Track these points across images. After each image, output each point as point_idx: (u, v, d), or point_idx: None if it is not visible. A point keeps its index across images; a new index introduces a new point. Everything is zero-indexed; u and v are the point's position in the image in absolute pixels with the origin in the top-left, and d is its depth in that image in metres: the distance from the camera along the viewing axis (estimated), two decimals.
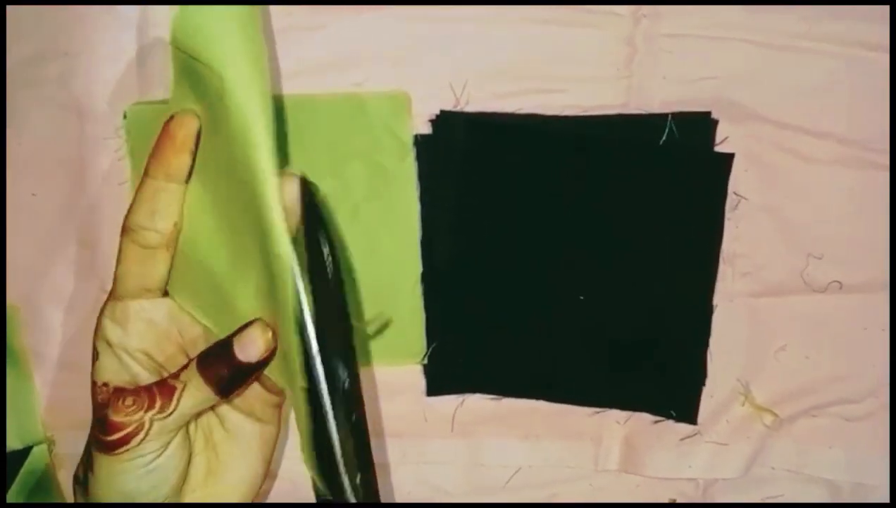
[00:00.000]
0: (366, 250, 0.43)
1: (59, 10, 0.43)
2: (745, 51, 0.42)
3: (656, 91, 0.43)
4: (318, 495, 0.32)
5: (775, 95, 0.43)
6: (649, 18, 0.42)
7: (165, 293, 0.35)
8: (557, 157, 0.43)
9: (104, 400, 0.33)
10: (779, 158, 0.43)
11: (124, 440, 0.32)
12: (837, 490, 0.44)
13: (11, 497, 0.44)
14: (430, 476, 0.45)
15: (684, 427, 0.44)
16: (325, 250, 0.33)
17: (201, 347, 0.34)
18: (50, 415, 0.45)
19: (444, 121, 0.43)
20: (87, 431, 0.44)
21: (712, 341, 0.44)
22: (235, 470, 0.36)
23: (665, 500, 0.45)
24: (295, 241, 0.30)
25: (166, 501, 0.34)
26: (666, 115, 0.42)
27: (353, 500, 0.31)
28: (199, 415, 0.35)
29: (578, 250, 0.44)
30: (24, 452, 0.44)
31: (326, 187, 0.42)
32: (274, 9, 0.42)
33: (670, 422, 0.44)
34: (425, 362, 0.44)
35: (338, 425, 0.31)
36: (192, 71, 0.33)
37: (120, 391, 0.33)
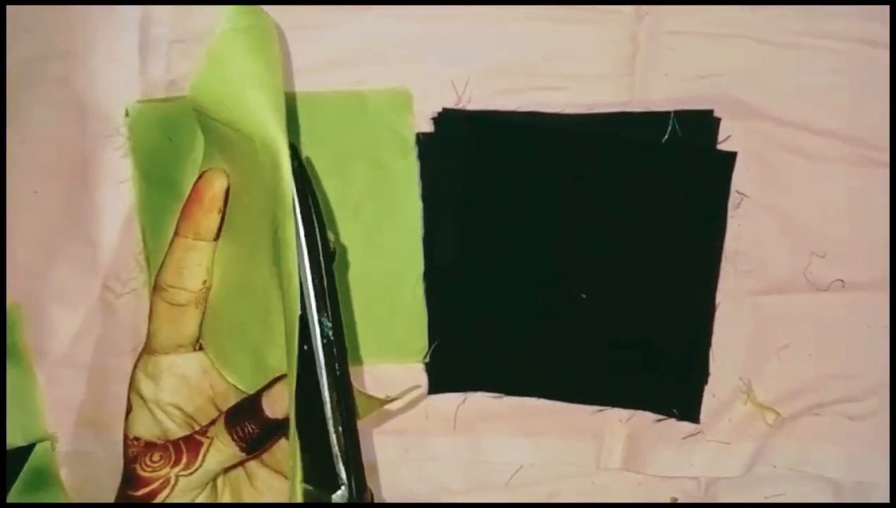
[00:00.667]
0: (367, 248, 0.43)
1: (60, 10, 0.43)
2: (748, 48, 0.42)
3: (659, 89, 0.43)
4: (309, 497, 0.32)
5: (777, 93, 0.42)
6: (651, 16, 0.42)
7: (199, 346, 0.35)
8: (559, 155, 0.43)
9: (134, 455, 0.33)
10: (781, 156, 0.43)
11: (150, 496, 0.32)
12: (839, 488, 0.44)
13: (14, 493, 0.44)
14: (431, 474, 0.45)
15: (686, 426, 0.44)
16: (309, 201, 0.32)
17: (232, 399, 0.34)
18: (52, 412, 0.45)
19: (446, 119, 0.43)
20: (90, 429, 0.45)
21: (714, 339, 0.44)
22: None
23: (667, 499, 0.45)
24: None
25: None
26: (668, 112, 0.42)
27: (343, 476, 0.31)
28: (227, 470, 0.35)
29: (580, 248, 0.43)
30: (28, 449, 0.45)
31: (328, 186, 0.43)
32: (276, 8, 0.42)
33: (672, 421, 0.44)
34: (427, 360, 0.44)
35: (327, 375, 0.31)
36: (218, 133, 0.32)
37: (150, 446, 0.33)
